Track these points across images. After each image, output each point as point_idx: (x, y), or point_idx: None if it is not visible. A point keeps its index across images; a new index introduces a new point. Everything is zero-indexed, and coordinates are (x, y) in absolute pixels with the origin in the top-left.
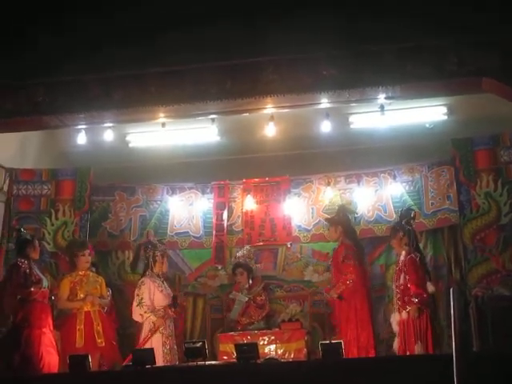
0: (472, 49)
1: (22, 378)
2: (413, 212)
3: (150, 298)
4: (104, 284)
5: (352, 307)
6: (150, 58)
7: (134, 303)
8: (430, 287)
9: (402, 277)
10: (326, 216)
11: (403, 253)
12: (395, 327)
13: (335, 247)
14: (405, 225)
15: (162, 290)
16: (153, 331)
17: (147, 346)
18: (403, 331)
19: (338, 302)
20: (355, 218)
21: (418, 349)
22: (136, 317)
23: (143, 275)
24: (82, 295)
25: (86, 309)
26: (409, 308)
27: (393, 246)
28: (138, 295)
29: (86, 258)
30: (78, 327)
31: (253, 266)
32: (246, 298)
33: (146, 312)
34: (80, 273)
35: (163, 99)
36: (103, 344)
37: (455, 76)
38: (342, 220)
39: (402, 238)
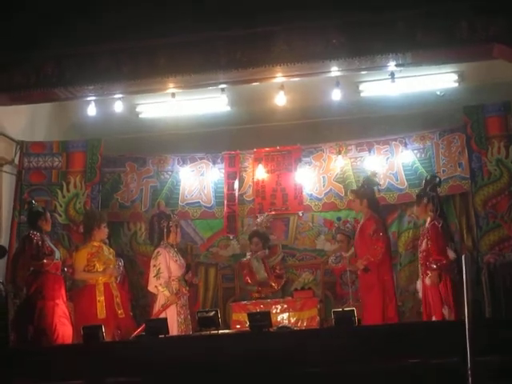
0: (483, 15)
1: (36, 349)
2: (437, 178)
3: (167, 268)
4: (114, 256)
5: (380, 278)
6: (159, 28)
7: (151, 274)
8: (451, 253)
9: (424, 243)
10: (337, 184)
11: (428, 219)
12: (420, 293)
13: (361, 220)
14: (429, 191)
15: (176, 261)
16: (165, 307)
17: (162, 315)
18: (427, 297)
19: (362, 273)
20: (379, 189)
21: (445, 313)
22: (152, 288)
23: (157, 246)
24: (100, 267)
25: (104, 280)
26: (430, 274)
27: (416, 214)
28: (154, 266)
29: (104, 231)
30: (98, 299)
31: (270, 235)
32: (260, 259)
33: (161, 285)
34: (95, 244)
35: (173, 70)
36: (123, 315)
37: (466, 42)
38: (367, 192)
39: (427, 204)
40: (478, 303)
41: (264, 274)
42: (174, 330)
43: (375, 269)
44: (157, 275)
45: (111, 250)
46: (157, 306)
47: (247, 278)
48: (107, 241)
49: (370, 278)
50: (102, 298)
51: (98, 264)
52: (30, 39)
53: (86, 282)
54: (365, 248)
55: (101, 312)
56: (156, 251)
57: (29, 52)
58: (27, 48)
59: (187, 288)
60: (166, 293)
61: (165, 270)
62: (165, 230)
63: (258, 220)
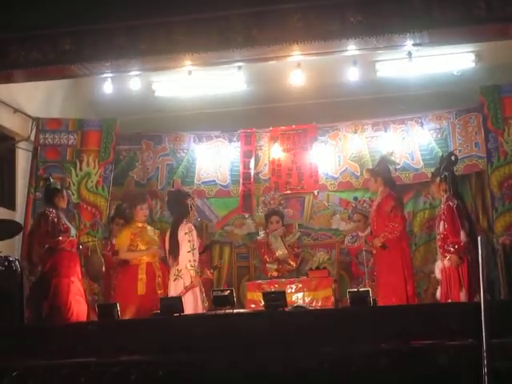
0: None
1: (51, 326)
2: (453, 156)
3: (197, 245)
4: (159, 237)
5: (398, 256)
6: (175, 5)
7: (184, 249)
8: (463, 235)
9: (441, 225)
10: (353, 164)
11: (443, 199)
12: (438, 275)
13: (377, 198)
14: (443, 170)
15: (199, 237)
16: (188, 288)
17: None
18: (445, 279)
19: (379, 251)
20: (396, 168)
21: (462, 296)
22: (183, 264)
23: (181, 222)
24: (143, 247)
25: (147, 260)
26: (448, 256)
27: (431, 193)
28: (189, 241)
29: (144, 212)
30: (139, 276)
31: (284, 212)
32: (278, 237)
33: (194, 261)
34: (139, 225)
35: (189, 47)
36: (163, 295)
37: (483, 22)
38: (382, 171)
39: (440, 184)
40: (493, 284)
41: (284, 250)
42: (189, 308)
43: (393, 246)
44: (191, 251)
45: (156, 230)
46: (181, 286)
47: (265, 256)
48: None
49: (389, 255)
50: (144, 277)
51: (141, 244)
52: (48, 15)
53: (130, 262)
54: (382, 226)
55: (141, 289)
56: (188, 226)
57: (46, 28)
58: (44, 24)
59: (212, 271)
60: (193, 272)
61: (197, 247)
62: (189, 208)
63: (268, 198)
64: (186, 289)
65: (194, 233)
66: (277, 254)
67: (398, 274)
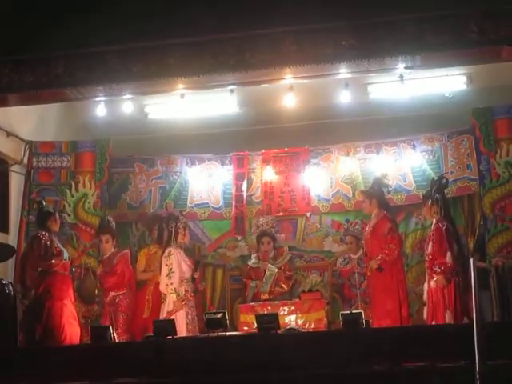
0: (493, 17)
1: (44, 349)
2: (444, 179)
3: (179, 268)
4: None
5: (394, 278)
6: (168, 29)
7: (163, 273)
8: (449, 257)
9: (430, 246)
10: (345, 185)
11: (433, 221)
12: (425, 296)
13: (372, 220)
14: (434, 193)
15: (186, 261)
16: (170, 314)
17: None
18: (431, 300)
19: (375, 273)
20: (388, 191)
21: (447, 317)
22: (163, 288)
23: (166, 246)
24: (153, 267)
25: (155, 280)
26: (436, 277)
27: (423, 215)
28: (167, 265)
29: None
30: (146, 298)
31: (276, 235)
32: (276, 269)
33: (172, 284)
34: (157, 245)
35: (182, 71)
36: None
37: (476, 45)
38: (376, 193)
39: (431, 206)
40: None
41: (267, 286)
42: (182, 330)
43: (389, 268)
44: (169, 275)
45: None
46: (165, 310)
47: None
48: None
49: (385, 277)
50: (150, 298)
51: (152, 264)
52: (41, 39)
53: (144, 282)
54: (378, 248)
55: (146, 311)
56: (167, 250)
57: (39, 52)
58: (37, 48)
59: (192, 294)
60: (174, 297)
61: (176, 270)
62: (172, 232)
63: (261, 221)
64: (169, 313)
65: (174, 257)
66: (262, 286)
67: (393, 296)
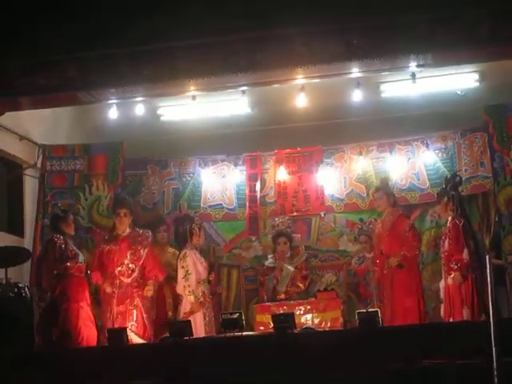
0: (504, 15)
1: (61, 351)
2: (458, 177)
3: (195, 270)
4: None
5: (413, 275)
6: (177, 31)
7: (179, 276)
8: (466, 253)
9: (446, 243)
10: (359, 185)
11: (449, 219)
12: (441, 293)
13: (387, 217)
14: (449, 190)
15: (202, 263)
16: (187, 314)
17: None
18: (448, 297)
19: (394, 271)
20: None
21: (465, 314)
22: (180, 290)
23: (182, 248)
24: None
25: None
26: (453, 274)
27: (438, 213)
28: (183, 267)
29: (161, 234)
30: (167, 300)
31: (292, 235)
32: (292, 269)
33: (189, 286)
34: (158, 247)
35: (193, 73)
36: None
37: (487, 43)
38: (390, 191)
39: (447, 203)
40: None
41: (283, 286)
42: (200, 331)
43: (409, 265)
44: (185, 276)
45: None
46: (181, 311)
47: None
48: None
49: (405, 274)
50: (170, 301)
51: None
52: (53, 43)
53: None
54: (397, 245)
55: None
56: (183, 253)
57: (50, 55)
58: (49, 52)
59: (210, 296)
60: (192, 298)
61: (193, 272)
62: (188, 233)
63: (277, 221)
64: (186, 314)
65: (190, 258)
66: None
67: (412, 292)
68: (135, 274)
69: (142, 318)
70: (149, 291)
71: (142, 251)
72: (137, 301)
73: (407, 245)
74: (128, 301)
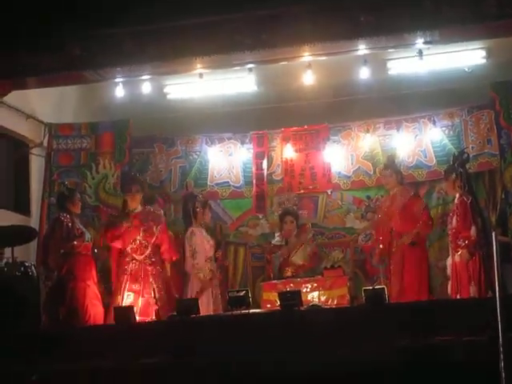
0: None
1: (68, 330)
2: (465, 154)
3: (202, 248)
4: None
5: (424, 253)
6: (183, 9)
7: (187, 254)
8: (473, 231)
9: (454, 220)
10: (366, 162)
11: (457, 196)
12: (449, 270)
13: (398, 197)
14: (457, 167)
15: (209, 241)
16: (199, 293)
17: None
18: (456, 274)
19: (406, 248)
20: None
21: (472, 291)
22: (189, 268)
23: (189, 226)
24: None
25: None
26: (460, 251)
27: (445, 190)
28: (190, 246)
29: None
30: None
31: (299, 213)
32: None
33: (198, 264)
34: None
35: (198, 51)
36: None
37: (494, 18)
38: (397, 168)
39: (455, 180)
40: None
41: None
42: (207, 309)
43: (421, 242)
44: (193, 255)
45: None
46: (190, 290)
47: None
48: None
49: (417, 251)
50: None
51: None
52: (58, 22)
53: None
54: (410, 224)
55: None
56: (190, 231)
57: (56, 35)
58: (54, 31)
59: (219, 271)
60: (201, 275)
61: (200, 250)
62: (191, 212)
63: (283, 199)
64: (197, 294)
65: (196, 236)
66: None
67: (424, 269)
68: (148, 251)
69: (155, 296)
70: (166, 272)
71: (154, 228)
72: (151, 279)
73: (423, 224)
74: (142, 278)
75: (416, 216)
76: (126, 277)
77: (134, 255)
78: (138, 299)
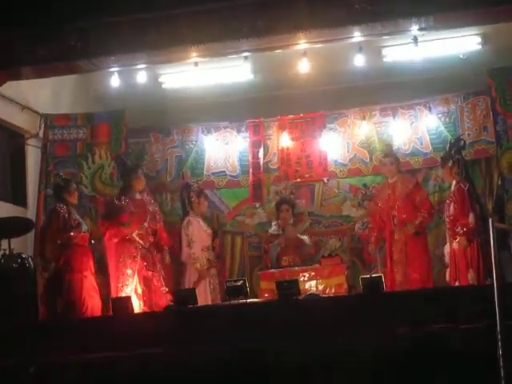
0: None
1: (65, 321)
2: (462, 141)
3: (199, 237)
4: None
5: (426, 241)
6: None
7: (183, 243)
8: (471, 218)
9: (451, 207)
10: (362, 150)
11: (453, 182)
12: (447, 258)
13: (400, 186)
14: (454, 154)
15: (205, 230)
16: (197, 283)
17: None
18: (454, 261)
19: (409, 237)
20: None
21: (470, 278)
22: (185, 257)
23: (185, 216)
24: None
25: None
26: (458, 238)
27: (441, 177)
28: (187, 235)
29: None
30: None
31: (296, 200)
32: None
33: (194, 253)
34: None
35: (194, 39)
36: None
37: (490, 4)
38: (396, 156)
39: (452, 167)
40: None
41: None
42: (206, 298)
43: (423, 232)
44: (189, 244)
45: None
46: (187, 280)
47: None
48: None
49: (419, 240)
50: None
51: None
52: (53, 12)
53: None
54: (414, 213)
55: None
56: (186, 220)
57: (51, 24)
58: (49, 20)
59: (216, 261)
60: (198, 265)
61: (196, 239)
62: (186, 201)
63: (280, 188)
64: (195, 284)
65: (192, 226)
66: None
67: (429, 258)
68: (153, 238)
69: (162, 284)
70: (168, 260)
71: (157, 216)
72: (159, 266)
73: (427, 213)
74: (149, 265)
75: (420, 205)
76: (134, 264)
77: (141, 241)
78: (151, 286)
